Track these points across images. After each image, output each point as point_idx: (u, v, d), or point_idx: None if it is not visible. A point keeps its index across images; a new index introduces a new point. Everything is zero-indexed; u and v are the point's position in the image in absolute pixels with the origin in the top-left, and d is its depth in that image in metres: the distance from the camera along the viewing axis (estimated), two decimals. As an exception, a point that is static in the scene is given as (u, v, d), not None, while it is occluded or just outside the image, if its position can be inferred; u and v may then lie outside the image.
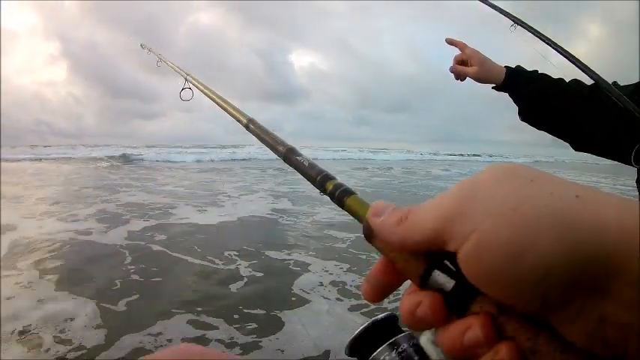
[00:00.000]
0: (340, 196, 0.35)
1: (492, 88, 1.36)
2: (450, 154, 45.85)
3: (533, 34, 1.31)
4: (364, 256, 4.57)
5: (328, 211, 6.93)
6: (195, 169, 16.13)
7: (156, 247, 4.78)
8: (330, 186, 0.37)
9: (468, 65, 1.35)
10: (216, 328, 2.96)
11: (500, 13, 1.39)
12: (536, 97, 1.31)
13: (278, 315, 3.17)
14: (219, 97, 0.71)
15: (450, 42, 1.40)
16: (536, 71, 1.35)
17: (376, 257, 0.30)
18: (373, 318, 0.34)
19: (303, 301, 3.44)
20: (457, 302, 0.26)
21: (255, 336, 2.85)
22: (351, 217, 0.35)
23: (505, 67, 1.34)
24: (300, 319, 3.11)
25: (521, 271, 0.22)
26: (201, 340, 2.76)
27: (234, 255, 4.63)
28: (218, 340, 2.78)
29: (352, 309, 3.30)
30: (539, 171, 0.25)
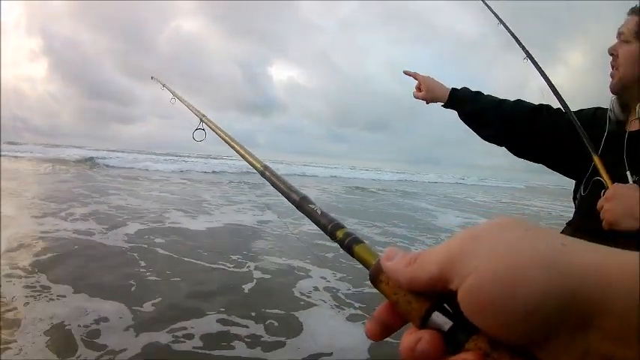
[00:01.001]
0: (349, 244, 0.37)
1: (441, 106, 1.59)
2: (438, 175, 44.23)
3: (537, 69, 1.49)
4: (359, 266, 4.76)
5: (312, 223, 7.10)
6: (173, 178, 15.88)
7: (161, 251, 4.81)
8: (340, 234, 0.38)
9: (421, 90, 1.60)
10: (245, 326, 3.06)
11: (517, 43, 1.56)
12: (476, 117, 1.53)
13: (294, 315, 3.32)
14: (235, 142, 0.69)
15: (406, 73, 1.64)
16: (481, 93, 1.54)
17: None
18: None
19: (310, 305, 3.59)
20: (453, 340, 0.28)
21: (276, 336, 2.97)
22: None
23: (451, 89, 1.56)
24: (314, 321, 3.26)
25: (514, 304, 0.24)
26: (228, 338, 2.86)
27: (240, 259, 4.75)
28: (237, 336, 2.87)
29: (351, 317, 3.49)
30: (532, 223, 0.28)
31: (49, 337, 2.64)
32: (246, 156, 0.63)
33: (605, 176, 1.13)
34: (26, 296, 3.21)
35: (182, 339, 2.79)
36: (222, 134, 0.77)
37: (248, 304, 3.50)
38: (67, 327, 2.81)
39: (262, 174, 0.56)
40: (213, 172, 19.20)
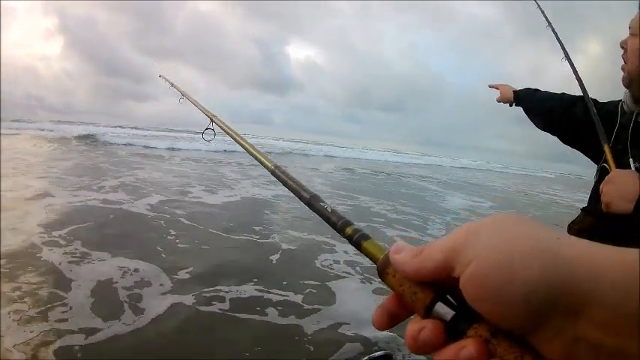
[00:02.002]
0: (358, 240, 0.38)
1: (509, 106, 1.80)
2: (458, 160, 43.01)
3: (573, 71, 1.62)
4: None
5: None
6: (191, 155, 15.89)
7: (186, 221, 4.89)
8: (349, 230, 0.40)
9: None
10: (274, 294, 3.15)
11: (561, 47, 1.70)
12: (528, 112, 1.72)
13: (327, 285, 3.40)
14: (246, 142, 0.69)
15: (492, 87, 1.89)
16: (537, 90, 1.71)
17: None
18: (370, 355, 0.44)
19: (336, 277, 3.64)
20: (455, 329, 0.29)
21: (310, 304, 3.05)
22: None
23: (513, 91, 1.78)
24: (345, 293, 3.32)
25: (512, 290, 0.26)
26: (263, 304, 2.93)
27: (263, 231, 4.82)
28: (269, 302, 2.93)
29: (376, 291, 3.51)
30: (530, 219, 0.30)
31: (95, 299, 2.75)
32: (257, 155, 0.63)
33: (610, 163, 1.19)
34: (69, 262, 3.28)
35: (217, 303, 2.87)
36: (232, 134, 0.77)
37: (277, 273, 3.57)
38: (113, 286, 2.94)
39: (273, 173, 0.57)
40: (225, 151, 18.85)
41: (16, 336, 2.22)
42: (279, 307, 2.93)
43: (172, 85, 1.41)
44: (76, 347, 2.21)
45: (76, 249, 3.59)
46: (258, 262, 3.83)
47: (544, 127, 1.65)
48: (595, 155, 1.45)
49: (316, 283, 3.45)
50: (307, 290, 3.27)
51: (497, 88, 1.87)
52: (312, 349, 2.48)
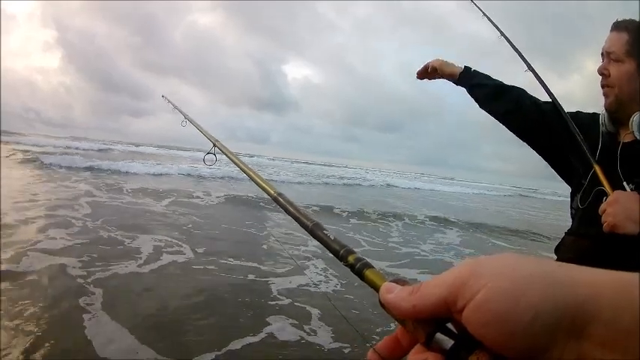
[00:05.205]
0: (360, 269, 0.37)
1: (453, 83, 1.55)
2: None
3: (539, 81, 1.46)
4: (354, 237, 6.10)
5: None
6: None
7: (194, 217, 6.24)
8: (351, 259, 0.39)
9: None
10: (262, 265, 4.29)
11: (518, 55, 1.53)
12: (484, 98, 1.49)
13: (298, 263, 4.55)
14: (249, 168, 0.68)
15: (423, 70, 1.59)
16: (489, 77, 1.51)
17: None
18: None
19: (307, 259, 4.71)
20: (456, 357, 0.29)
21: (281, 274, 4.13)
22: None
23: (464, 66, 1.53)
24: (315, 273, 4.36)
25: (517, 315, 0.26)
26: (255, 271, 4.02)
27: (257, 224, 6.23)
28: (254, 274, 4.00)
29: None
30: (532, 255, 0.30)
31: (147, 263, 3.99)
32: (260, 182, 0.62)
33: (606, 185, 1.13)
34: (127, 237, 4.63)
35: (212, 267, 4.06)
36: (235, 159, 0.76)
37: (263, 255, 4.75)
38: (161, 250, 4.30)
39: (276, 200, 0.56)
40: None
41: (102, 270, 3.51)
42: (256, 273, 3.97)
43: (175, 107, 1.37)
44: (139, 273, 3.61)
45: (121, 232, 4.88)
46: (251, 246, 5.06)
47: (505, 111, 1.45)
48: (555, 161, 1.40)
49: (291, 262, 4.41)
50: (284, 264, 4.34)
51: (428, 68, 1.57)
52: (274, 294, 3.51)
